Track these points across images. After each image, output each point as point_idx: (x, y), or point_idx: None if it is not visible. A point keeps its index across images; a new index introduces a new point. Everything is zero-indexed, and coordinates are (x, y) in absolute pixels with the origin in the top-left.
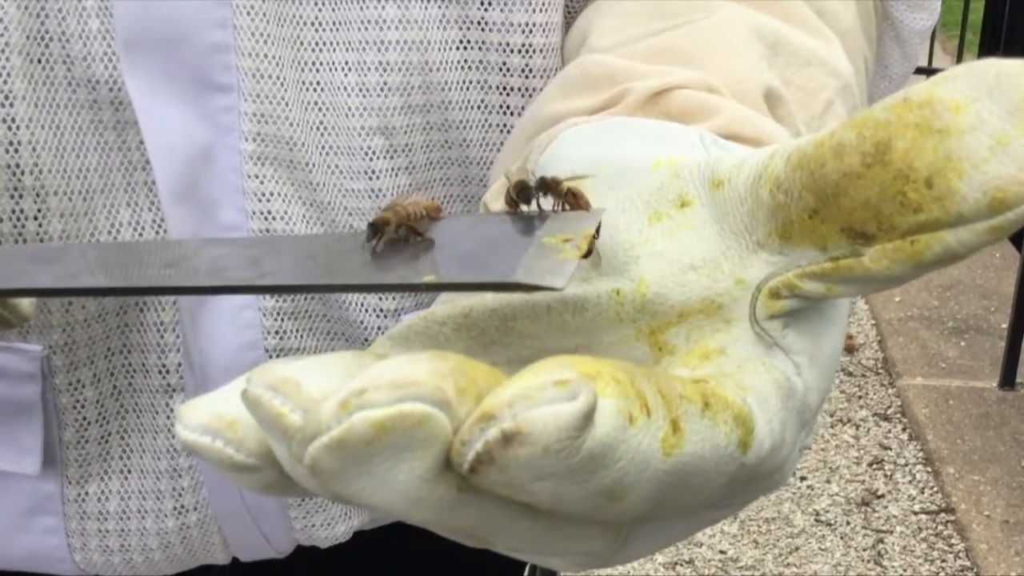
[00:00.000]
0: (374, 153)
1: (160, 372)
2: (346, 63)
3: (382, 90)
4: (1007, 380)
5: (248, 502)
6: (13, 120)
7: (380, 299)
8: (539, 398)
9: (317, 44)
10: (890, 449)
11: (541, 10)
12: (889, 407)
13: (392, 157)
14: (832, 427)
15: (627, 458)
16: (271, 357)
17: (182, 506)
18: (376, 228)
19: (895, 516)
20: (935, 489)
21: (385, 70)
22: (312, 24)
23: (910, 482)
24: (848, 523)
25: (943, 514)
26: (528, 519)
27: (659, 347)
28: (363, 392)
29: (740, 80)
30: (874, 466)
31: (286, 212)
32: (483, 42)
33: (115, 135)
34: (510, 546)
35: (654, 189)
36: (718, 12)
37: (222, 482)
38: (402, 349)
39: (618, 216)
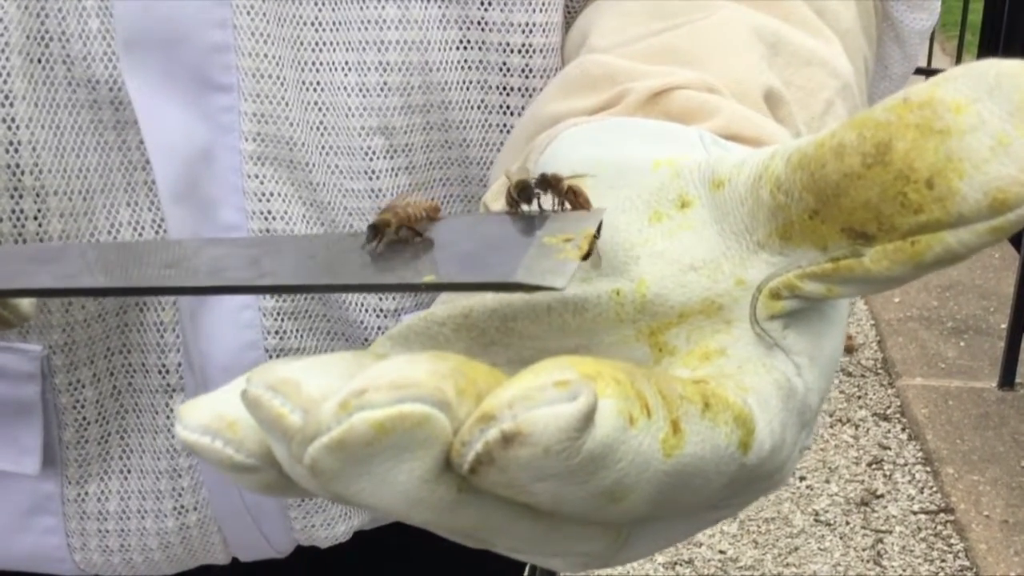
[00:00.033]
0: (374, 153)
1: (160, 372)
2: (346, 63)
3: (382, 90)
4: (1006, 380)
5: (248, 502)
6: (13, 120)
7: (380, 299)
8: (539, 399)
9: (317, 44)
10: (889, 449)
11: (541, 10)
12: (888, 407)
13: (392, 157)
14: (831, 427)
15: (627, 459)
16: (271, 357)
17: (182, 506)
18: (377, 229)
19: (894, 516)
20: (934, 489)
21: (385, 70)
22: (312, 24)
23: (909, 482)
24: (847, 523)
25: (942, 514)
26: (528, 520)
27: (659, 348)
28: (363, 392)
29: (740, 80)
30: (873, 466)
31: (286, 212)
32: (483, 42)
33: (115, 135)
34: (510, 547)
35: (654, 189)
36: (718, 12)
37: (222, 482)
38: (402, 349)
39: (618, 216)
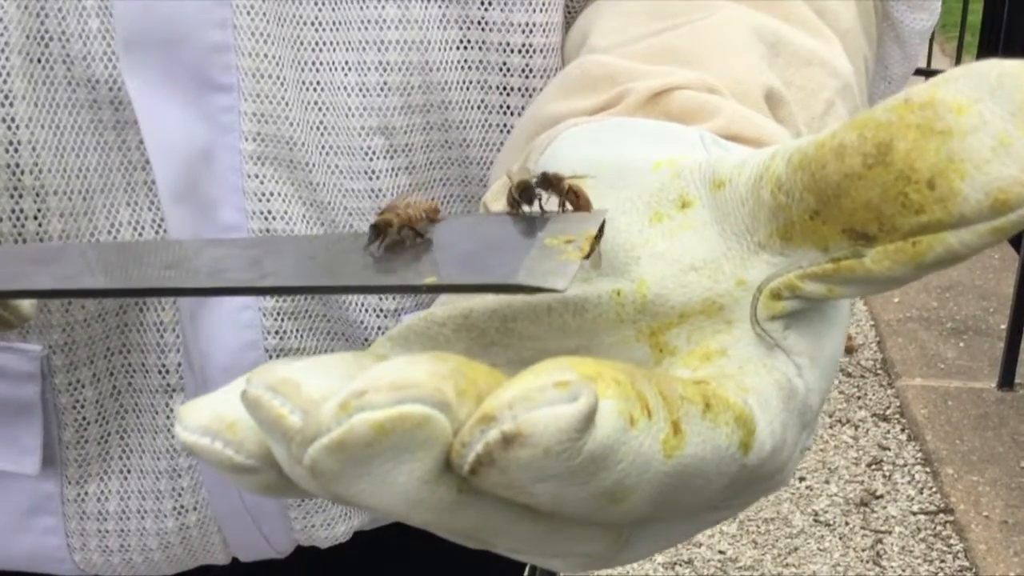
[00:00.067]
0: (374, 153)
1: (160, 372)
2: (346, 63)
3: (382, 90)
4: (1006, 381)
5: (248, 503)
6: (13, 120)
7: (380, 299)
8: (540, 399)
9: (317, 44)
10: (889, 450)
11: (541, 10)
12: (888, 408)
13: (392, 157)
14: (831, 428)
15: (628, 460)
16: (271, 357)
17: (182, 506)
18: (378, 230)
19: (894, 516)
20: (934, 490)
21: (385, 70)
22: (312, 24)
23: (909, 483)
24: (847, 523)
25: (942, 514)
26: (528, 521)
27: (660, 348)
28: (363, 393)
29: (740, 80)
30: (873, 467)
31: (286, 212)
32: (483, 42)
33: (115, 135)
34: (510, 547)
35: (655, 190)
36: (718, 12)
37: (222, 482)
38: (402, 350)
39: (619, 217)
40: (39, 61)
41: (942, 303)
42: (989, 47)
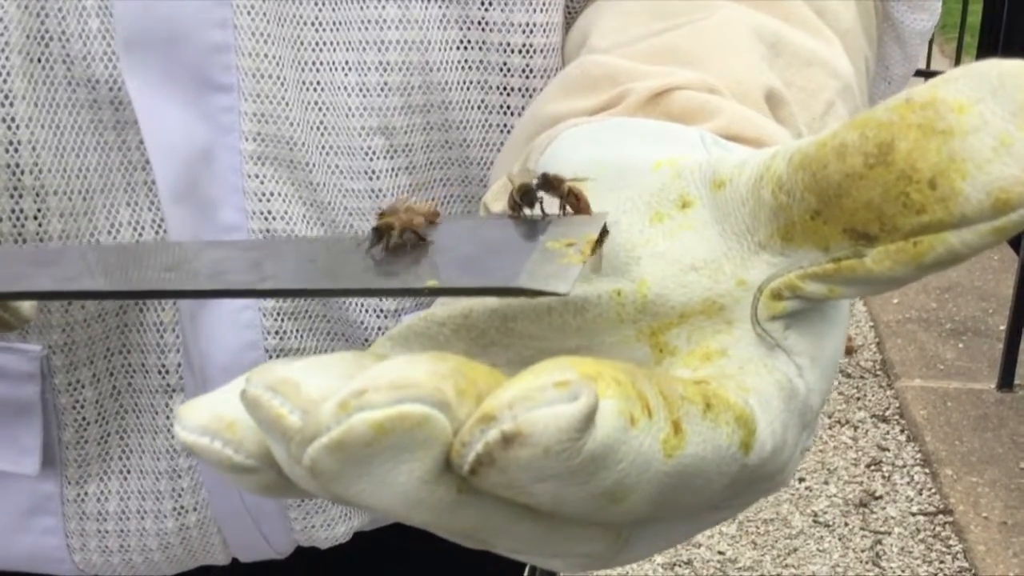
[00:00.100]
0: (374, 153)
1: (160, 372)
2: (346, 63)
3: (382, 90)
4: (1005, 382)
5: (248, 503)
6: (13, 119)
7: (380, 300)
8: (540, 399)
9: (317, 44)
10: (888, 450)
11: (542, 10)
12: (887, 409)
13: (392, 157)
14: (830, 428)
15: (628, 459)
16: (271, 357)
17: (181, 507)
18: (380, 233)
19: (893, 517)
20: (933, 490)
21: (385, 70)
22: (312, 24)
23: (908, 483)
24: (846, 524)
25: (941, 515)
26: (528, 521)
27: (660, 348)
28: (363, 393)
29: (741, 81)
30: (872, 467)
31: (286, 212)
32: (484, 42)
33: (115, 135)
34: (510, 548)
35: (655, 190)
36: (718, 12)
37: (222, 483)
38: (402, 350)
39: (619, 217)
40: (39, 61)
41: (941, 304)
42: (988, 48)
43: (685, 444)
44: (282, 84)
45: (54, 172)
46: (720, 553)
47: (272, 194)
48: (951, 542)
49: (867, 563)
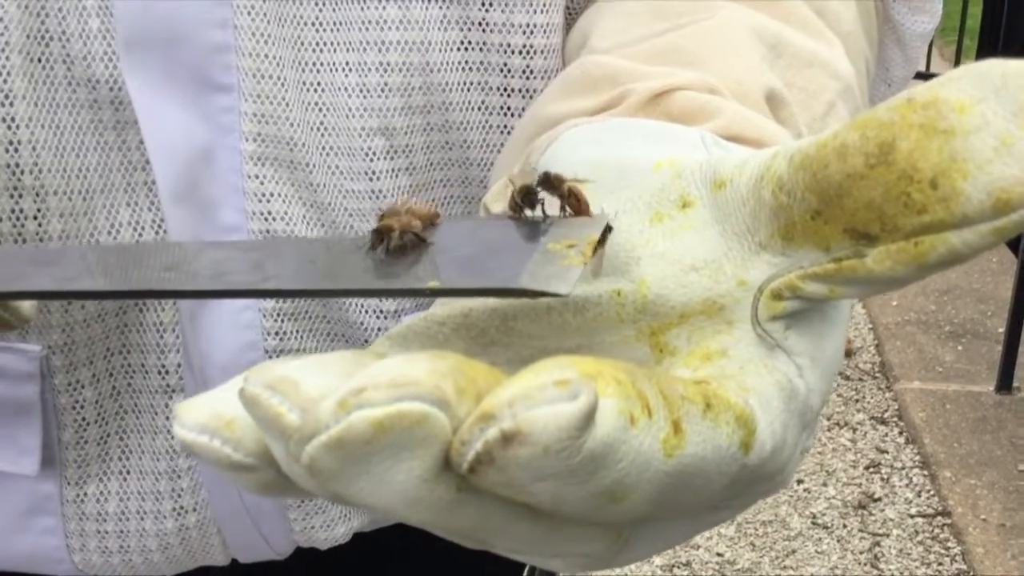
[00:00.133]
0: (374, 154)
1: (159, 373)
2: (347, 63)
3: (383, 91)
4: (1004, 384)
5: (247, 503)
6: (13, 119)
7: (380, 300)
8: (539, 398)
9: (318, 44)
10: (887, 453)
11: (542, 11)
12: (886, 411)
13: (392, 158)
14: (829, 430)
15: (628, 459)
16: (271, 358)
17: (181, 507)
18: (380, 235)
19: (892, 519)
20: (932, 493)
21: (386, 71)
22: (313, 24)
23: (907, 486)
24: (845, 526)
25: (940, 517)
26: (528, 520)
27: (660, 348)
28: (362, 391)
29: (741, 81)
30: (871, 469)
31: (286, 213)
32: (484, 43)
33: (115, 135)
34: (509, 547)
35: (655, 190)
36: (719, 13)
37: (221, 483)
38: (401, 349)
39: (619, 217)
40: (39, 61)
41: (940, 306)
42: (988, 51)
43: (685, 444)
44: (282, 84)
45: (54, 172)
46: (719, 555)
47: (272, 195)
48: (949, 544)
49: (866, 565)
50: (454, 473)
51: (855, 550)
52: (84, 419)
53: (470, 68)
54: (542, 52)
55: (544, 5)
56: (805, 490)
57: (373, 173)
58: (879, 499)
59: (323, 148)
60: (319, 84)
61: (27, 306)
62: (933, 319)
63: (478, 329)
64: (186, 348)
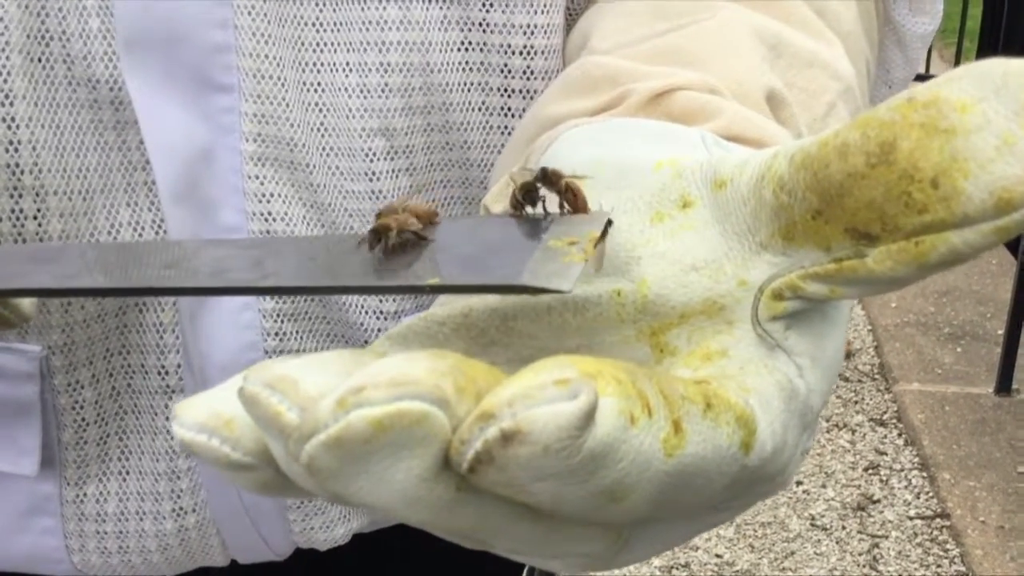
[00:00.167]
0: (375, 154)
1: (159, 373)
2: (347, 64)
3: (383, 91)
4: (1003, 386)
5: (247, 504)
6: (13, 119)
7: (380, 301)
8: (539, 397)
9: (318, 45)
10: (886, 454)
11: (543, 12)
12: (885, 412)
13: (393, 159)
14: (828, 432)
15: (628, 458)
16: (271, 359)
17: (180, 508)
18: (377, 235)
19: (891, 521)
20: (931, 494)
21: (386, 71)
22: (313, 25)
23: (906, 487)
24: (844, 528)
25: (938, 519)
26: (528, 520)
27: (660, 348)
28: (361, 390)
29: (741, 82)
30: (870, 471)
31: (286, 213)
32: (484, 44)
33: (115, 135)
34: (509, 548)
35: (656, 190)
36: (719, 13)
37: (221, 484)
38: (401, 349)
39: (620, 217)
40: (39, 60)
41: (939, 308)
42: (987, 53)
43: (685, 444)
44: (283, 85)
45: (54, 172)
46: (717, 556)
47: (272, 195)
48: (948, 546)
49: (864, 567)
50: (453, 473)
51: (854, 552)
52: (84, 420)
53: (470, 69)
54: (543, 53)
55: (545, 6)
56: (804, 492)
57: (373, 174)
58: (878, 501)
59: (323, 149)
60: (319, 84)
61: (27, 304)
62: (932, 321)
63: (478, 329)
64: (186, 349)
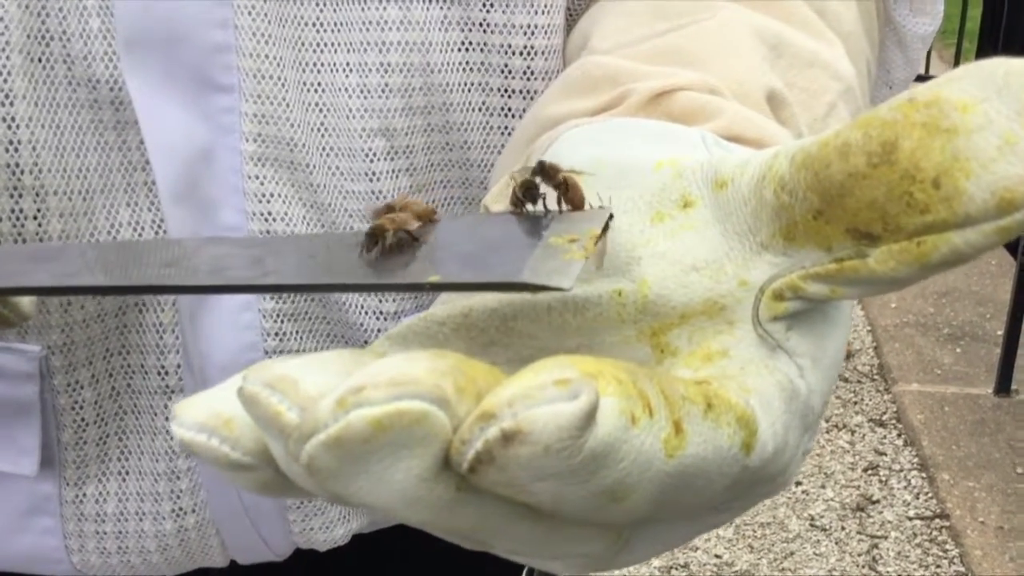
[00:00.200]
0: (375, 155)
1: (159, 373)
2: (347, 64)
3: (383, 91)
4: (1002, 387)
5: (246, 504)
6: (13, 119)
7: (380, 301)
8: (540, 397)
9: (318, 45)
10: (885, 455)
11: (543, 12)
12: (884, 413)
13: (393, 159)
14: (827, 432)
15: (629, 458)
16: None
17: (180, 508)
18: (373, 236)
19: (890, 522)
20: (930, 495)
21: (386, 71)
22: (313, 25)
23: (905, 488)
24: (843, 528)
25: (938, 520)
26: (528, 521)
27: (661, 348)
28: (361, 390)
29: (742, 82)
30: (869, 472)
31: (286, 213)
32: (485, 44)
33: (115, 135)
34: (509, 548)
35: (656, 190)
36: (719, 13)
37: (220, 484)
38: (401, 349)
39: (620, 216)
40: (40, 60)
41: (939, 309)
42: (987, 54)
43: (686, 444)
44: (283, 85)
45: (54, 172)
46: (717, 556)
47: (272, 195)
48: (948, 547)
49: (864, 567)
50: (454, 473)
51: (853, 552)
52: (83, 420)
53: (471, 69)
54: (543, 53)
55: (545, 6)
56: (803, 492)
57: (373, 174)
58: (877, 501)
59: (323, 149)
60: (319, 85)
61: (27, 303)
62: (932, 321)
63: (478, 329)
64: (186, 349)
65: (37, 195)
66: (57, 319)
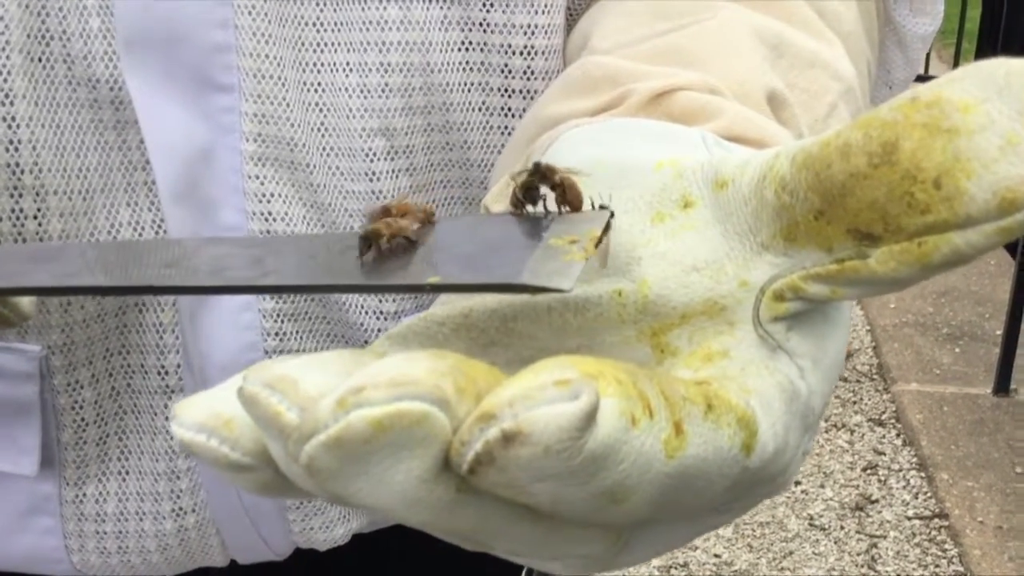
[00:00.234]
0: (375, 155)
1: (159, 373)
2: (347, 64)
3: (383, 91)
4: (1001, 386)
5: (246, 504)
6: (13, 119)
7: (380, 301)
8: (540, 398)
9: (318, 45)
10: (884, 454)
11: (543, 12)
12: (883, 413)
13: (393, 159)
14: (826, 432)
15: (629, 459)
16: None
17: (180, 508)
18: (367, 240)
19: (889, 521)
20: (929, 495)
21: (386, 71)
22: (313, 24)
23: (904, 487)
24: (842, 528)
25: (937, 519)
26: (528, 522)
27: (661, 348)
28: (361, 390)
29: (742, 82)
30: (868, 471)
31: (286, 213)
32: (485, 44)
33: (115, 134)
34: (509, 549)
35: (657, 190)
36: (720, 13)
37: (220, 484)
38: (401, 349)
39: (620, 217)
40: (40, 60)
41: (938, 308)
42: (986, 54)
43: (686, 445)
44: (283, 85)
45: (54, 172)
46: (716, 556)
47: (272, 195)
48: (947, 546)
49: (863, 567)
50: (453, 473)
51: (852, 552)
52: (83, 419)
53: (471, 69)
54: (543, 53)
55: (545, 6)
56: (803, 492)
57: (373, 174)
58: (876, 501)
59: (323, 149)
60: (320, 84)
61: (27, 303)
62: (931, 321)
63: (478, 329)
64: (186, 349)
65: (37, 195)
66: (57, 319)
